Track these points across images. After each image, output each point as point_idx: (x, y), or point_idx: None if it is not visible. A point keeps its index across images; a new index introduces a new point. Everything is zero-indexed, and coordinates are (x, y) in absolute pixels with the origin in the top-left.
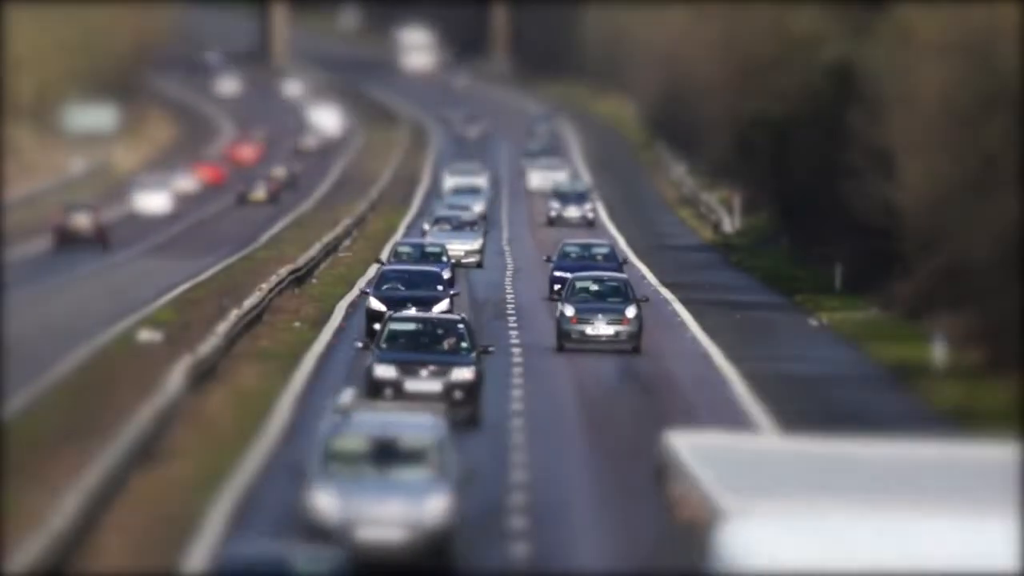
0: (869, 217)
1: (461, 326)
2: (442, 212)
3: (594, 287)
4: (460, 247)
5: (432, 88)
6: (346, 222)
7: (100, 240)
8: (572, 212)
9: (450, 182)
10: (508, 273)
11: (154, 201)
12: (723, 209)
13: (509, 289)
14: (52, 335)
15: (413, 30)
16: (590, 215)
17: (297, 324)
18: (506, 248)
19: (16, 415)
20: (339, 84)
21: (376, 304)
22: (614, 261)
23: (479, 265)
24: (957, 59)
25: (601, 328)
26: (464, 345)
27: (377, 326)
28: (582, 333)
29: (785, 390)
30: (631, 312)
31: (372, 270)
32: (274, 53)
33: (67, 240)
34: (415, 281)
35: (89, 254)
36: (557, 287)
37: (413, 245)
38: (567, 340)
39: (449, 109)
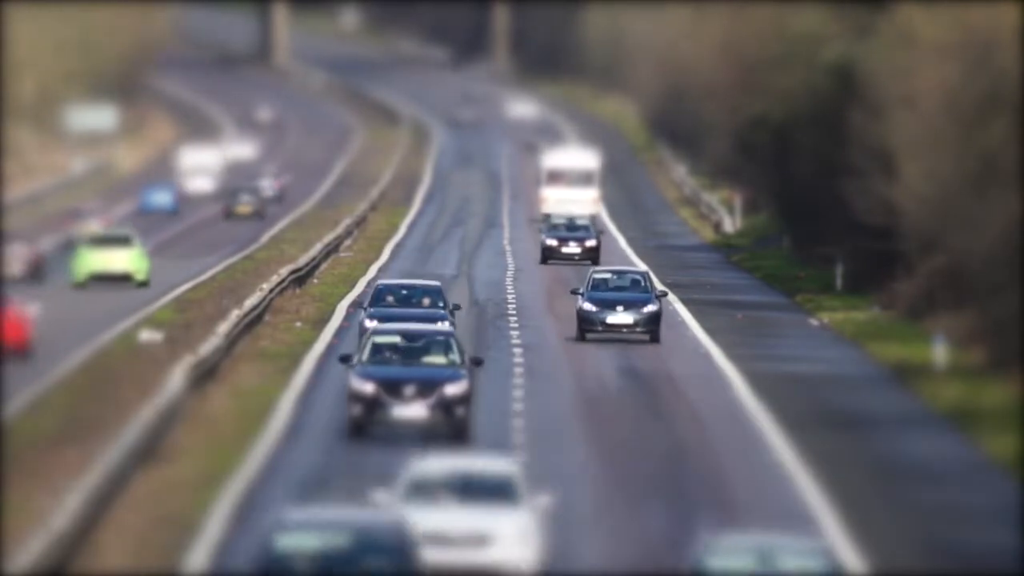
0: (870, 217)
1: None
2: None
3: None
4: None
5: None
6: (347, 222)
7: (260, 217)
8: None
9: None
10: (509, 273)
11: None
12: (724, 209)
13: (510, 289)
14: (53, 335)
15: (572, 148)
16: None
17: (298, 324)
18: (507, 248)
19: (17, 415)
20: (341, 84)
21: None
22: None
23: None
24: (958, 59)
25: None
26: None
27: None
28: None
29: (786, 390)
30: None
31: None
32: (275, 53)
33: (231, 217)
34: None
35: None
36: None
37: None
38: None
39: None
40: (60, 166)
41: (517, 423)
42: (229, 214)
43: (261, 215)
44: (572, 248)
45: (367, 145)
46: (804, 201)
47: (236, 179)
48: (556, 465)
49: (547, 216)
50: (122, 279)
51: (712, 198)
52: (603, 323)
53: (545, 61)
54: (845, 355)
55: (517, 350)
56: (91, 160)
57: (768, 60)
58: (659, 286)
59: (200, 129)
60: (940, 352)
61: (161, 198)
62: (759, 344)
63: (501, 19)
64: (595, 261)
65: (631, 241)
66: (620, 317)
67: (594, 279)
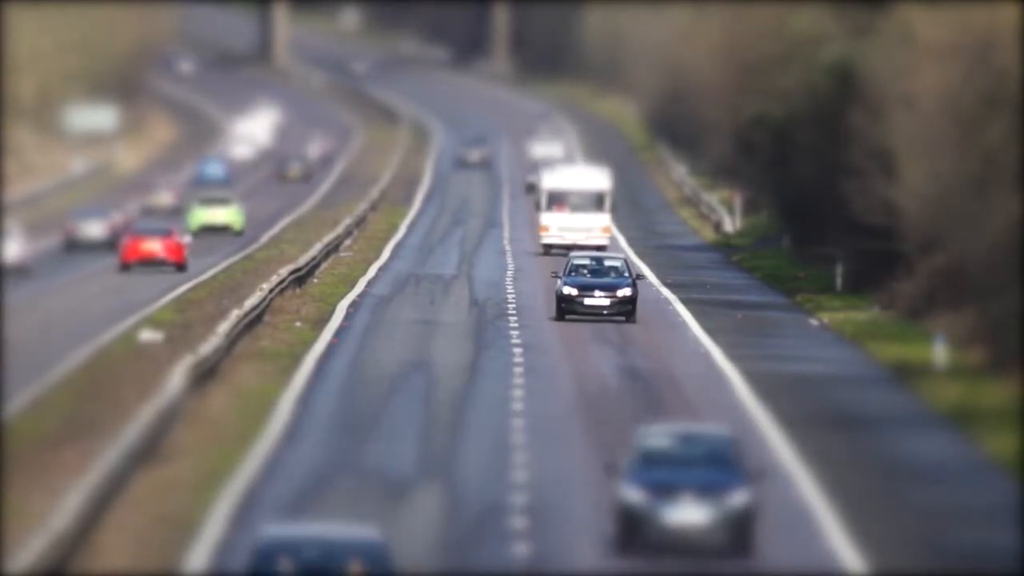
0: (870, 217)
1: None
2: None
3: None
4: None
5: None
6: (347, 222)
7: (307, 180)
8: None
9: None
10: (509, 273)
11: None
12: (724, 209)
13: (510, 289)
14: (53, 335)
15: (578, 166)
16: None
17: (298, 324)
18: (507, 248)
19: (17, 415)
20: (341, 84)
21: None
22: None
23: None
24: (958, 59)
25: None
26: None
27: None
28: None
29: (785, 390)
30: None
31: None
32: (275, 53)
33: (284, 181)
34: None
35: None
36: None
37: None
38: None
39: None
40: (60, 166)
41: (517, 423)
42: (281, 177)
43: (309, 178)
44: (599, 299)
45: (367, 145)
46: (804, 201)
47: (283, 144)
48: (555, 465)
49: (548, 247)
50: (223, 229)
51: (712, 198)
52: (660, 524)
53: (545, 61)
54: (845, 355)
55: (517, 350)
56: (91, 160)
57: (768, 60)
58: (754, 459)
59: (200, 129)
60: (940, 352)
61: (214, 169)
62: (759, 344)
63: (501, 19)
64: (629, 316)
65: (631, 241)
66: (685, 514)
67: (647, 449)
